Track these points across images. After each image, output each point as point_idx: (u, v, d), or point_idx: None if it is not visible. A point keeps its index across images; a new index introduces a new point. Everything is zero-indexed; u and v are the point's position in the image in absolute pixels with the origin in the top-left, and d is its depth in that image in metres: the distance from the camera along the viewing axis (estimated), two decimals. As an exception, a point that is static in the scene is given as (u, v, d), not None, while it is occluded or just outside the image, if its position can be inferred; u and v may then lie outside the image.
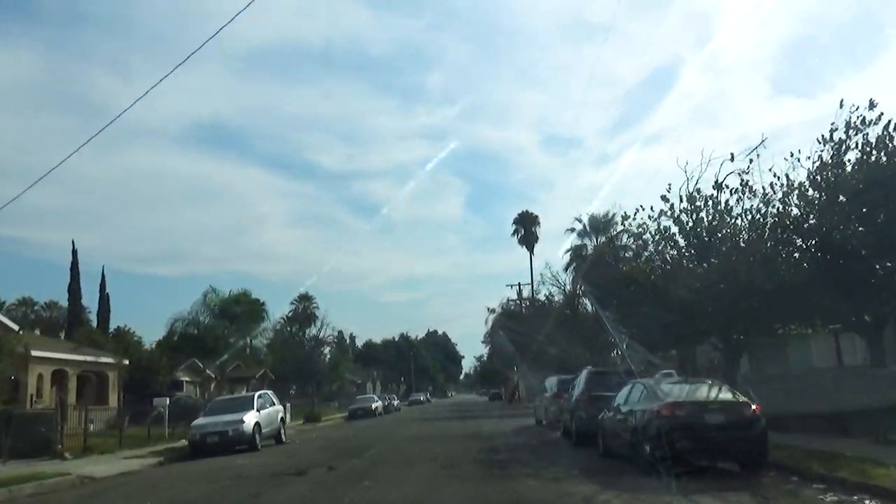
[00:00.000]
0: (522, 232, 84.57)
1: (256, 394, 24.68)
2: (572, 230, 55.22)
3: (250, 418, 22.24)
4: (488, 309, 77.07)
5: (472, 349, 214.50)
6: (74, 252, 62.70)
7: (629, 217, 23.90)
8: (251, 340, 63.95)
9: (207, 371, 47.61)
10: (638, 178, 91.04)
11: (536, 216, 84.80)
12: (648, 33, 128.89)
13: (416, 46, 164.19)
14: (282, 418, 25.49)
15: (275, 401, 25.52)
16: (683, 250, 22.14)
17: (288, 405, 43.72)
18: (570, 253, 55.67)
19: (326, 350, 50.09)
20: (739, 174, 19.02)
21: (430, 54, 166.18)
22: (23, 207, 77.18)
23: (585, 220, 55.18)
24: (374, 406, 48.07)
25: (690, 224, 20.84)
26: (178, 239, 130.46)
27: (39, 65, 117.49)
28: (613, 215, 53.42)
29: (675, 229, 21.65)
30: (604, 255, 50.50)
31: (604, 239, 55.40)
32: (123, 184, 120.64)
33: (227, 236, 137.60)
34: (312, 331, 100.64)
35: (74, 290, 63.40)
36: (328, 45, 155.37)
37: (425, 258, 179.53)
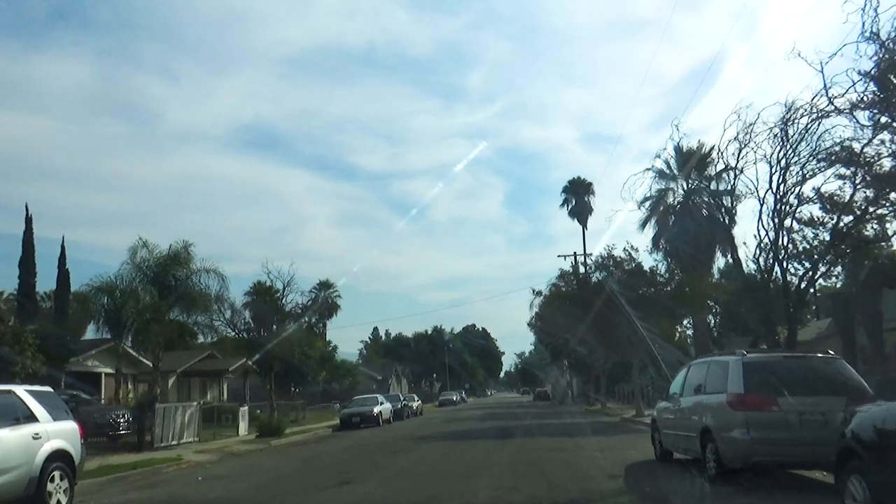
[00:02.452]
0: (573, 202, 68.88)
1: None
2: (650, 169, 38.97)
3: None
4: (534, 291, 61.12)
5: (513, 347, 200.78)
6: (28, 220, 47.57)
7: None
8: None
9: (142, 359, 32.82)
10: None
11: (590, 184, 68.97)
12: (692, 27, 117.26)
13: (456, 46, 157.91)
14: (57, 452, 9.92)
15: (26, 409, 9.95)
16: None
17: (244, 410, 28.49)
18: (648, 203, 39.48)
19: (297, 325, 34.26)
20: None
21: (470, 53, 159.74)
22: (77, 210, 69.62)
23: (671, 156, 38.86)
24: (375, 411, 32.39)
25: None
26: (223, 240, 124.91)
27: (91, 71, 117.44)
28: (711, 149, 37.23)
29: None
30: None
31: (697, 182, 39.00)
32: (172, 187, 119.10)
33: (271, 237, 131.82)
34: (332, 322, 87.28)
35: (28, 264, 48.68)
36: (370, 47, 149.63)
37: (466, 257, 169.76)
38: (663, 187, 38.80)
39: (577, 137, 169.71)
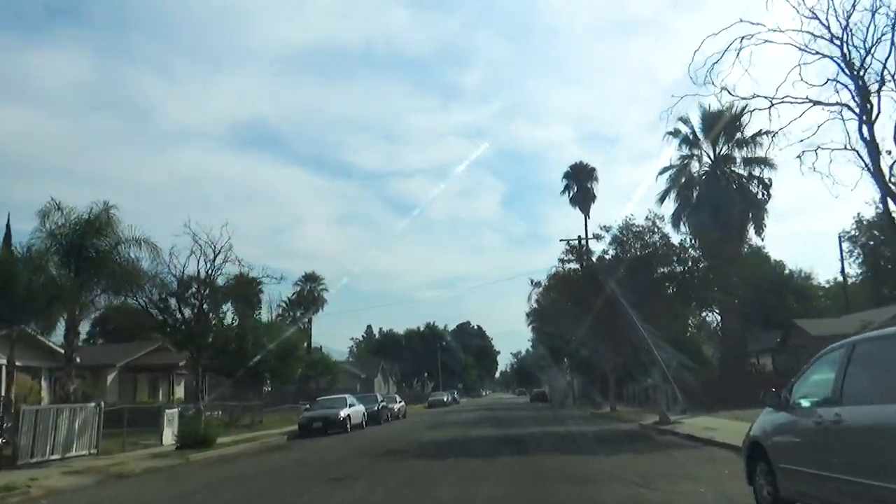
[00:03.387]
0: (575, 189, 63.19)
1: None
2: (674, 134, 33.04)
3: None
4: (532, 282, 55.17)
5: (509, 347, 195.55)
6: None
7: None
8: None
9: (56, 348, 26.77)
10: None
11: (593, 169, 63.38)
12: (689, 26, 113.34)
13: (453, 45, 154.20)
14: None
15: None
16: None
17: (172, 413, 22.49)
18: (668, 174, 33.58)
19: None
20: None
21: (467, 52, 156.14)
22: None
23: (695, 118, 32.93)
24: (342, 414, 26.37)
25: None
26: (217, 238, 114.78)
27: (87, 67, 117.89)
28: (743, 109, 31.34)
29: None
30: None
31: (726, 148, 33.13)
32: (167, 184, 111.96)
33: (267, 235, 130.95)
34: (318, 315, 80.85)
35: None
36: (367, 46, 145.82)
37: (462, 256, 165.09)
38: (686, 153, 32.98)
39: (575, 137, 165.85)
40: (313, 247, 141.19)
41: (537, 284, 50.90)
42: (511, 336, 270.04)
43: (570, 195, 61.74)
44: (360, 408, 28.98)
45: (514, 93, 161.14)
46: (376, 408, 32.08)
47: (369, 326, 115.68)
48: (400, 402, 40.18)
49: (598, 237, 24.03)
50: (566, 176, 62.53)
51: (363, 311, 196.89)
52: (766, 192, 31.07)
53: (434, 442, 19.62)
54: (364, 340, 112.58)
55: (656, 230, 23.49)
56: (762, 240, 31.10)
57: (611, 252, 24.46)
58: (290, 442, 24.44)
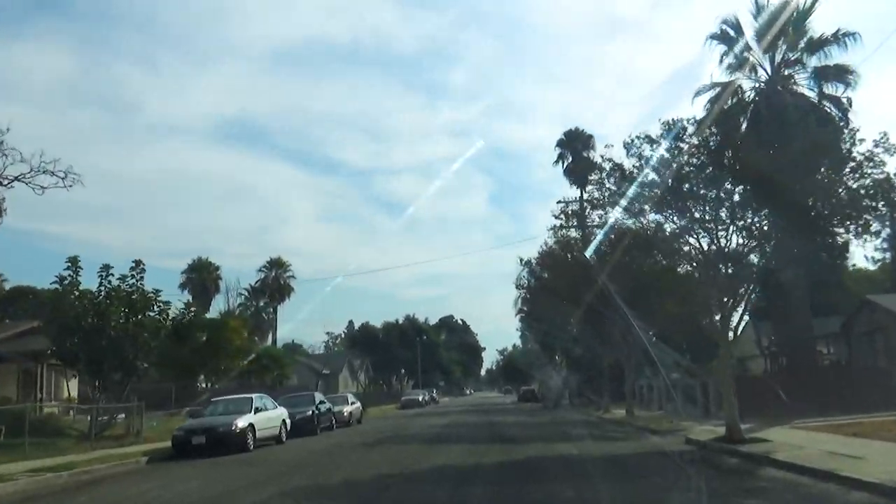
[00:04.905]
0: (570, 158, 54.58)
1: None
2: (719, 38, 24.10)
3: None
4: (521, 261, 46.27)
5: (495, 345, 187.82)
6: None
7: None
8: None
9: None
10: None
11: (590, 136, 54.99)
12: (675, 28, 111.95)
13: (441, 43, 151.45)
14: None
15: None
16: None
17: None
18: (708, 96, 24.58)
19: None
20: None
21: (454, 51, 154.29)
22: (54, 203, 59.93)
23: (748, 21, 24.04)
24: (239, 424, 17.04)
25: None
26: (203, 234, 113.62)
27: (70, 60, 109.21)
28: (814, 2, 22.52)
29: None
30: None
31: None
32: (151, 181, 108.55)
33: (252, 232, 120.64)
34: (285, 306, 71.33)
35: None
36: (354, 43, 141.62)
37: (449, 254, 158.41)
38: (733, 61, 23.84)
39: (560, 137, 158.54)
40: (298, 243, 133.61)
41: (527, 263, 42.13)
42: (498, 336, 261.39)
43: (564, 165, 53.11)
44: (278, 413, 19.66)
45: (501, 92, 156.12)
46: (310, 412, 22.77)
47: (351, 322, 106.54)
48: (353, 402, 30.68)
49: (646, 140, 14.89)
50: (559, 144, 53.89)
51: (345, 307, 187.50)
52: (844, 118, 22.19)
53: (343, 485, 10.46)
54: (346, 336, 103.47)
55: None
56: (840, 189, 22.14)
57: (650, 176, 15.29)
58: (149, 467, 15.23)
